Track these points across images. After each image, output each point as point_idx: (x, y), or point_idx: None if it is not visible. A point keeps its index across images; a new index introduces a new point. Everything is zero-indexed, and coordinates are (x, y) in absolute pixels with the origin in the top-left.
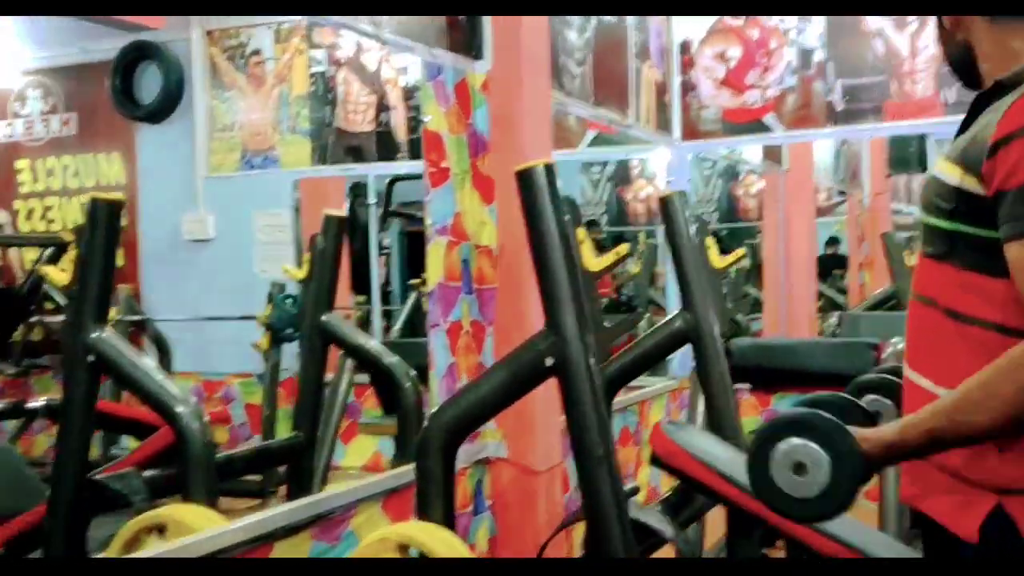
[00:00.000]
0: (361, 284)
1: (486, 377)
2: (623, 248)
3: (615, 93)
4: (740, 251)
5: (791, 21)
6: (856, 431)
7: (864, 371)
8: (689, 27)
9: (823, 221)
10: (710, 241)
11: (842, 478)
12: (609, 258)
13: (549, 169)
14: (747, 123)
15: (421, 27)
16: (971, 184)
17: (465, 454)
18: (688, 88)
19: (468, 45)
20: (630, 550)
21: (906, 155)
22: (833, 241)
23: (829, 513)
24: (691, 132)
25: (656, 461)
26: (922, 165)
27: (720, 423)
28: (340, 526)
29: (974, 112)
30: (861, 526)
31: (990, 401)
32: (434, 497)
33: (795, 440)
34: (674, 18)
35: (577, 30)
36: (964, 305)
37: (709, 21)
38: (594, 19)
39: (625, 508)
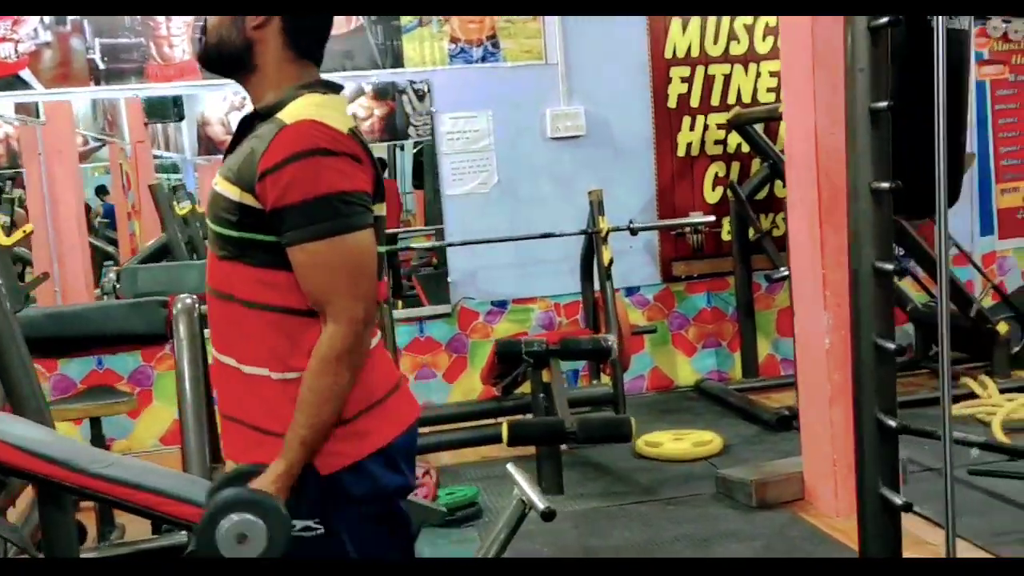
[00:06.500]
0: None
1: None
2: (29, 227)
3: None
4: (28, 227)
5: None
6: (254, 484)
7: (158, 330)
8: None
9: (85, 167)
10: None
11: (277, 540)
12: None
13: None
14: (2, 78)
15: None
16: (251, 201)
17: None
18: None
19: None
20: None
21: (164, 105)
22: (103, 190)
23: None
24: None
25: None
26: (179, 116)
27: (22, 405)
28: None
29: (240, 133)
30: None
31: (323, 398)
32: None
33: (236, 517)
34: None
35: None
36: (257, 295)
37: None
38: None
39: None
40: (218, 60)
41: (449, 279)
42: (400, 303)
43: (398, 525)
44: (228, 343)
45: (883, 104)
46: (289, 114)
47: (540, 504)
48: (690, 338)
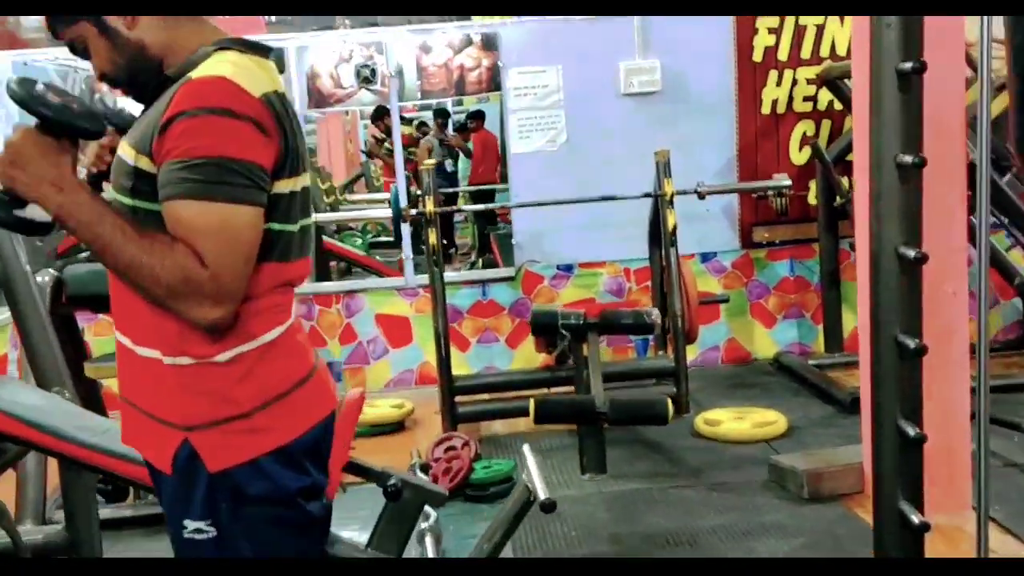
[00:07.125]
0: None
1: None
2: None
3: None
4: None
5: None
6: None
7: None
8: None
9: None
10: None
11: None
12: None
13: None
14: None
15: None
16: (145, 164)
17: None
18: None
19: None
20: None
21: None
22: None
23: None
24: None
25: None
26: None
27: (43, 372)
28: None
29: (152, 98)
30: None
31: (137, 254)
32: None
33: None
34: None
35: None
36: None
37: None
38: None
39: None
40: (144, 81)
41: (513, 241)
42: (481, 261)
43: (305, 529)
44: (124, 322)
45: (910, 64)
46: (199, 71)
47: (541, 493)
48: (770, 308)
